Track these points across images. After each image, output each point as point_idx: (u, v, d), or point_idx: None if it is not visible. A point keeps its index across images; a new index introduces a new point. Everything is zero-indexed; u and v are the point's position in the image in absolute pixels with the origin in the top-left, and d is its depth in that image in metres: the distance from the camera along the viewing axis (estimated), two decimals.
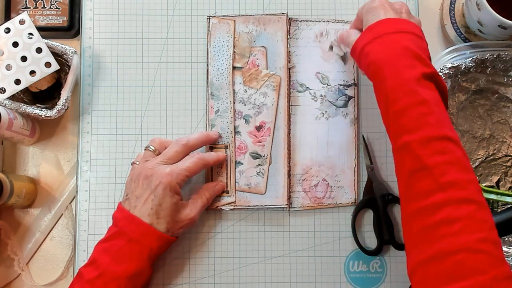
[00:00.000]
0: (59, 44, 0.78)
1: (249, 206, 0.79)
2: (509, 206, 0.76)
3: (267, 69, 0.81)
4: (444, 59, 0.79)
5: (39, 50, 0.76)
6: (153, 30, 0.83)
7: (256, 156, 0.80)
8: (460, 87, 0.80)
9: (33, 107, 0.78)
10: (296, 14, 0.83)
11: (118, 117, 0.81)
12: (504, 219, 0.70)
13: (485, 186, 0.79)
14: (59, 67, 0.77)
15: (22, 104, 0.77)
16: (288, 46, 0.82)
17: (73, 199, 0.81)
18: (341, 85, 0.82)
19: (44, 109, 0.78)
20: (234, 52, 0.82)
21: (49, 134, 0.83)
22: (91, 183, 0.80)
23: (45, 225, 0.81)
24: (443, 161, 0.58)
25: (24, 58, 0.76)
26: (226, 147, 0.80)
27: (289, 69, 0.81)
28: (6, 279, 0.80)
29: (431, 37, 0.85)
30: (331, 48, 0.81)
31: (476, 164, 0.80)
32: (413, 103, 0.61)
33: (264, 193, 0.79)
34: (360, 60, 0.70)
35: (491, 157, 0.80)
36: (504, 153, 0.80)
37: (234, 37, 0.82)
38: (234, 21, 0.82)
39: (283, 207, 0.79)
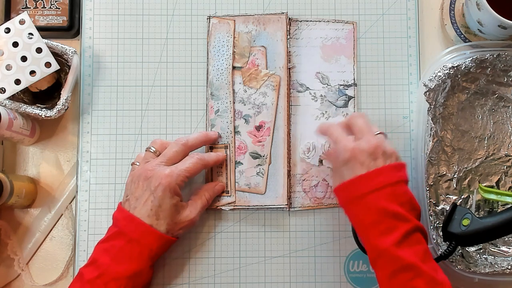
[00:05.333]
0: (59, 44, 0.78)
1: (249, 206, 0.79)
2: (509, 206, 0.76)
3: (266, 69, 0.81)
4: (444, 59, 0.79)
5: (39, 50, 0.76)
6: (153, 30, 0.83)
7: (256, 156, 0.80)
8: (460, 87, 0.80)
9: (33, 107, 0.78)
10: (296, 14, 0.83)
11: (118, 117, 0.81)
12: (504, 219, 0.70)
13: (485, 186, 0.79)
14: (59, 67, 0.77)
15: (22, 104, 0.77)
16: (288, 46, 0.82)
17: (73, 199, 0.81)
18: (341, 85, 0.82)
19: (44, 109, 0.78)
20: (234, 52, 0.82)
21: (49, 134, 0.83)
22: (91, 183, 0.80)
23: (45, 225, 0.81)
24: None
25: (24, 58, 0.76)
26: (226, 147, 0.80)
27: (289, 69, 0.81)
28: (6, 279, 0.80)
29: (431, 37, 0.85)
30: (321, 162, 0.81)
31: (476, 164, 0.80)
32: (397, 270, 0.63)
33: (264, 193, 0.79)
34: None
35: (491, 157, 0.80)
36: (504, 153, 0.80)
37: (234, 37, 0.82)
38: (234, 21, 0.82)
39: (283, 207, 0.79)
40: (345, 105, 0.81)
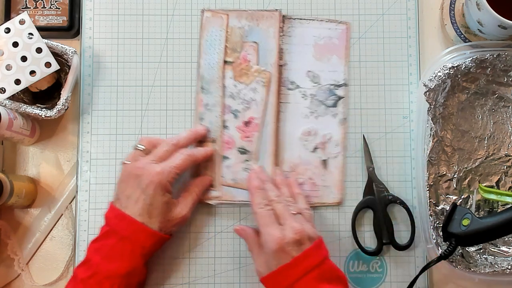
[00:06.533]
0: (59, 44, 0.79)
1: (234, 201, 0.79)
2: (509, 206, 0.76)
3: (257, 65, 0.81)
4: (444, 59, 0.79)
5: (39, 50, 0.76)
6: (153, 30, 0.83)
7: (243, 151, 0.80)
8: (460, 87, 0.80)
9: (33, 107, 0.78)
10: (296, 14, 0.83)
11: (118, 117, 0.82)
12: (504, 219, 0.69)
13: (485, 186, 0.79)
14: (59, 67, 0.77)
15: (22, 104, 0.78)
16: (281, 43, 0.82)
17: (73, 199, 0.81)
18: (332, 85, 0.81)
19: (44, 109, 0.78)
20: (226, 46, 0.82)
21: (49, 134, 0.83)
22: (91, 183, 0.80)
23: (45, 225, 0.81)
24: None
25: (24, 58, 0.76)
26: (213, 141, 0.80)
27: (280, 66, 0.81)
28: (6, 279, 0.80)
29: (431, 37, 0.85)
30: (315, 149, 0.81)
31: (476, 164, 0.80)
32: None
33: None
34: None
35: (491, 157, 0.80)
36: (504, 153, 0.80)
37: (227, 32, 0.82)
38: (228, 15, 0.82)
39: None
40: (335, 104, 0.81)
